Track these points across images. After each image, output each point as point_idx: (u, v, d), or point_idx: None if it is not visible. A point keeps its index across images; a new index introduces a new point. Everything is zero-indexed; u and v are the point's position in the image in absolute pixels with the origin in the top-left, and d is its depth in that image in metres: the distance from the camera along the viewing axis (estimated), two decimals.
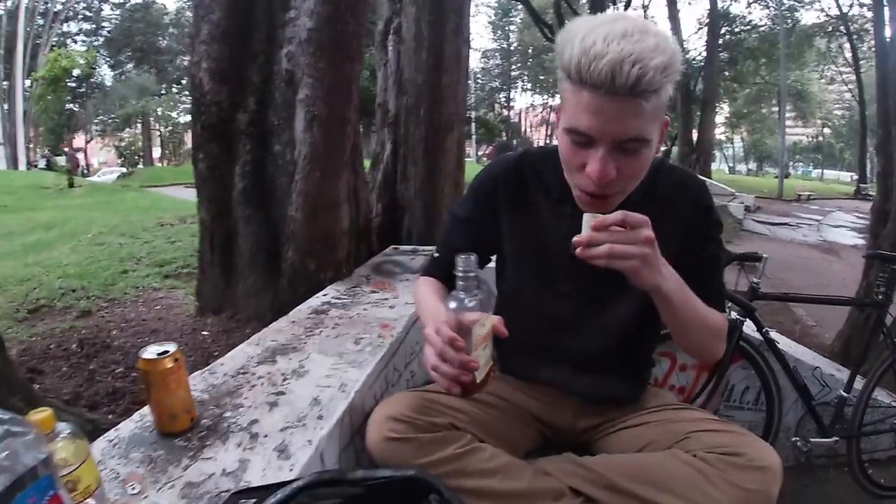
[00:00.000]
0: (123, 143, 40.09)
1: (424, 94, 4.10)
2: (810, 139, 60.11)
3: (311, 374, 1.56)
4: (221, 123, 2.91)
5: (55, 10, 35.99)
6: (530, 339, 1.37)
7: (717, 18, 25.37)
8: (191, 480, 1.08)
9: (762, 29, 28.14)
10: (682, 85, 23.81)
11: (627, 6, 20.15)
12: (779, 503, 1.12)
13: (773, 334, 2.52)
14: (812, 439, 2.51)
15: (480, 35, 62.56)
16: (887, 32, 5.12)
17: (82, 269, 5.40)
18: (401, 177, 4.24)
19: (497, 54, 57.96)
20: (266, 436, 1.24)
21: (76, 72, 25.26)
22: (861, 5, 23.07)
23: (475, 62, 54.74)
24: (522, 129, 59.90)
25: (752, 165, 64.31)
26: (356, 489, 0.94)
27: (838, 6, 25.17)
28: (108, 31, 42.27)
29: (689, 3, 46.85)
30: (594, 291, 1.30)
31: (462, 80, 4.42)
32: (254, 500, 0.88)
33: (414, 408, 1.22)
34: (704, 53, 26.01)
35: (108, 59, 42.34)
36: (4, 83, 31.80)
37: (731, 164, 64.79)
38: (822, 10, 27.74)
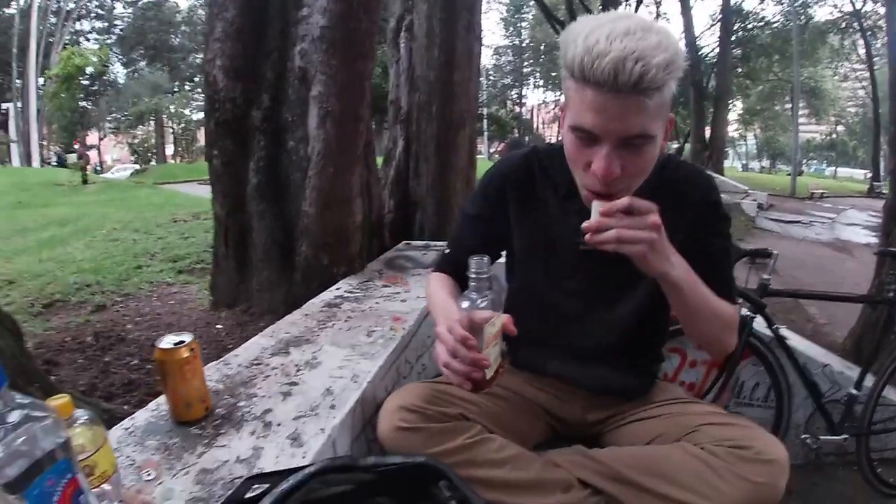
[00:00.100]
0: (136, 141, 40.33)
1: (436, 90, 4.12)
2: (824, 137, 59.60)
3: (323, 366, 1.59)
4: (236, 120, 2.95)
5: (67, 8, 36.16)
6: (539, 333, 1.39)
7: (729, 14, 25.15)
8: (205, 467, 1.10)
9: (775, 25, 27.89)
10: (695, 82, 23.69)
11: (639, 3, 20.05)
12: (788, 501, 1.12)
13: (784, 331, 2.51)
14: (821, 437, 2.50)
15: (492, 32, 62.74)
16: None
17: (97, 264, 5.45)
18: (413, 173, 4.27)
19: (509, 51, 57.79)
20: (279, 424, 1.26)
21: (89, 69, 25.46)
22: (874, 1, 22.85)
23: (487, 59, 54.74)
24: (534, 125, 59.66)
25: (766, 163, 63.87)
26: (367, 475, 0.95)
27: (851, 2, 25.00)
28: (121, 30, 42.48)
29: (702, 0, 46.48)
30: (601, 287, 1.31)
31: (474, 77, 4.43)
32: (267, 485, 0.90)
33: (425, 398, 1.24)
34: (717, 50, 25.80)
35: (120, 56, 42.56)
36: (18, 81, 31.99)
37: (744, 162, 64.39)
38: (836, 6, 27.57)
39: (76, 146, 25.59)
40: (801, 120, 35.74)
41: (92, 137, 42.04)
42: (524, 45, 56.14)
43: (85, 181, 15.18)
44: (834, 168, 61.25)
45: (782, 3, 27.25)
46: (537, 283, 1.38)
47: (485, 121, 36.89)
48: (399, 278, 2.62)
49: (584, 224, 1.00)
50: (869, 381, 2.52)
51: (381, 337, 1.81)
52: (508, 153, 1.46)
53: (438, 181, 4.20)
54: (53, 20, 35.04)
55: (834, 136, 57.94)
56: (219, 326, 3.03)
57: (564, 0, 18.10)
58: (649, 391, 1.43)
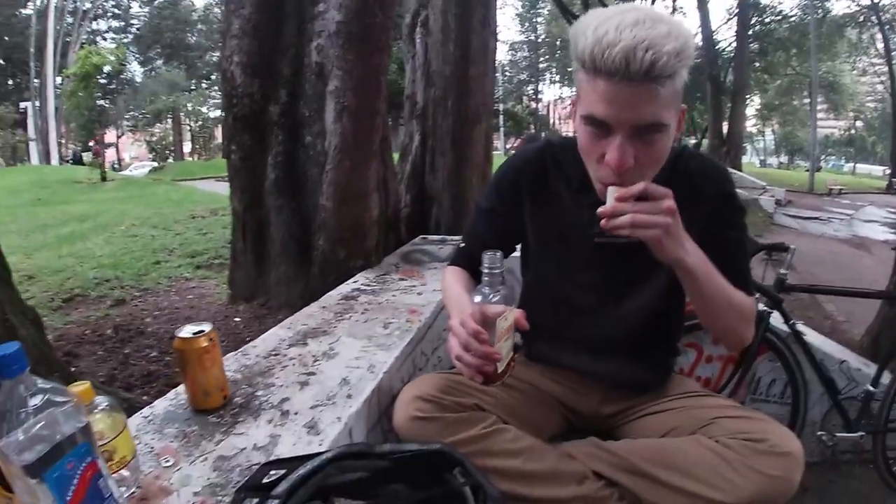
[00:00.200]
0: (154, 138, 40.52)
1: (452, 85, 4.13)
2: (842, 132, 58.78)
3: (340, 356, 1.60)
4: (253, 115, 2.97)
5: (84, 8, 36.52)
6: (553, 326, 1.39)
7: (746, 8, 24.93)
8: (223, 454, 1.12)
9: (792, 19, 27.47)
10: (712, 76, 23.48)
11: None
12: (804, 498, 1.12)
13: (801, 326, 2.50)
14: (838, 434, 2.49)
15: (508, 28, 62.47)
16: None
17: (116, 259, 5.51)
18: (429, 168, 4.28)
19: (525, 46, 57.57)
20: (296, 413, 1.28)
21: (107, 68, 25.57)
22: None
23: (503, 55, 54.57)
24: (551, 121, 59.45)
25: (784, 158, 63.19)
26: (383, 462, 0.97)
27: None
28: (137, 29, 42.87)
29: None
30: (615, 280, 1.32)
31: (489, 72, 4.44)
32: (283, 471, 0.91)
33: (440, 388, 1.25)
34: (734, 44, 25.57)
35: (137, 55, 42.96)
36: (35, 81, 32.36)
37: (761, 158, 63.79)
38: (853, 0, 27.18)
39: (91, 144, 25.85)
40: (819, 115, 35.28)
41: (110, 135, 42.36)
42: (540, 40, 55.91)
43: (104, 178, 15.32)
44: (852, 164, 60.47)
45: None
46: (551, 277, 1.38)
47: (501, 117, 36.78)
48: (415, 272, 2.63)
49: (600, 209, 1.01)
50: (886, 377, 2.49)
51: (397, 329, 1.82)
52: (523, 147, 1.47)
53: (454, 176, 4.21)
54: (70, 20, 35.37)
55: (852, 131, 57.16)
56: (237, 320, 3.06)
57: None
58: (664, 384, 1.43)
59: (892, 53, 26.24)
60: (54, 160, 30.49)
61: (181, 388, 1.32)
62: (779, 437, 1.13)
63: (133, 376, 2.66)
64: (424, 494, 0.97)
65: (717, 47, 25.62)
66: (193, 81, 45.01)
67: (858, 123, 56.00)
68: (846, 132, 58.05)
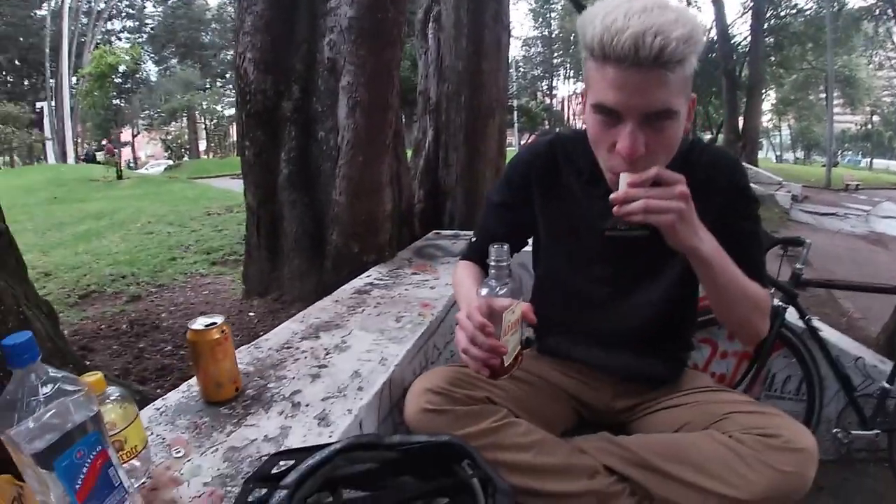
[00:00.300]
0: (169, 137, 40.82)
1: (465, 80, 4.12)
2: (859, 127, 58.14)
3: (352, 349, 1.61)
4: (267, 111, 2.98)
5: (98, 8, 36.84)
6: (564, 319, 1.39)
7: (761, 2, 24.66)
8: (233, 445, 1.12)
9: (808, 12, 27.18)
10: (728, 71, 23.29)
11: None
12: (818, 496, 1.11)
13: (816, 322, 2.47)
14: (853, 432, 2.46)
15: (521, 24, 62.42)
16: None
17: (132, 256, 5.56)
18: (442, 163, 4.27)
19: (538, 42, 57.54)
20: (308, 405, 1.28)
21: (122, 68, 25.86)
22: None
23: (516, 50, 54.62)
24: (565, 117, 59.23)
25: (800, 154, 62.60)
26: (392, 453, 0.97)
27: None
28: (152, 28, 43.32)
29: None
30: (626, 273, 1.31)
31: (502, 67, 4.42)
32: (293, 461, 0.91)
33: (451, 381, 1.25)
34: (749, 38, 25.33)
35: (152, 55, 43.39)
36: (51, 81, 32.68)
37: (778, 153, 63.17)
38: None
39: (104, 143, 26.13)
40: (835, 110, 34.95)
41: (125, 134, 42.83)
42: (554, 36, 55.84)
43: (119, 176, 15.48)
44: (869, 159, 59.78)
45: None
46: (562, 270, 1.38)
47: (515, 113, 36.70)
48: (428, 266, 2.63)
49: (612, 195, 1.00)
50: None
51: (409, 322, 1.83)
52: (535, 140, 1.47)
53: (467, 171, 4.20)
54: (85, 20, 35.73)
55: (869, 126, 56.46)
56: (251, 314, 3.07)
57: None
58: (677, 379, 1.42)
59: None
60: (70, 159, 30.81)
61: (194, 380, 1.33)
62: (793, 432, 1.11)
63: (147, 370, 2.67)
64: (433, 486, 0.97)
65: (732, 42, 25.36)
66: (208, 80, 45.34)
67: (875, 118, 55.32)
68: (863, 127, 57.37)
